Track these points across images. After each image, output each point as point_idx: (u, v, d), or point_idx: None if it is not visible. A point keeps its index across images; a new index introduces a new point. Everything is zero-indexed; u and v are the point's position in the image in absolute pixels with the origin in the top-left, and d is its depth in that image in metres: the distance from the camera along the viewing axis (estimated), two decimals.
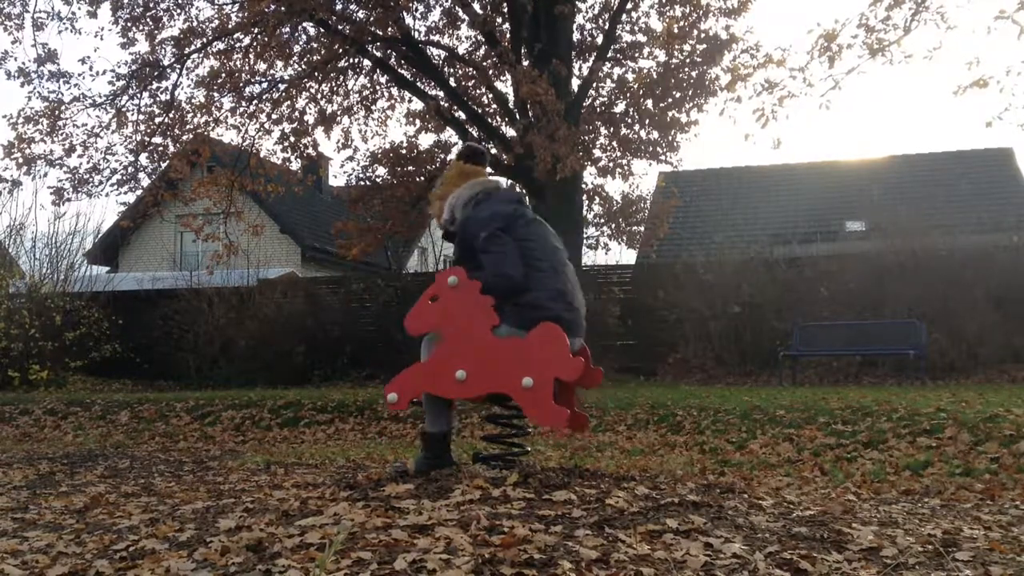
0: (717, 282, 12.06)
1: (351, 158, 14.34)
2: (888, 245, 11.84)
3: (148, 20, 12.43)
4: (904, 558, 2.35)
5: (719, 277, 12.11)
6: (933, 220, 13.86)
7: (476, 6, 12.76)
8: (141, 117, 12.72)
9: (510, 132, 12.40)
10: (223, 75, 12.20)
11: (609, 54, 12.94)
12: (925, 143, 55.97)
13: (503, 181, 3.86)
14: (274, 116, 12.93)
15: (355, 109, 13.68)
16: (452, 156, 3.88)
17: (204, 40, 12.53)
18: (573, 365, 3.31)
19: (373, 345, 12.64)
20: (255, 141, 13.13)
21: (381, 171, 13.69)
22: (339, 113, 13.36)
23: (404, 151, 13.49)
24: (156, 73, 12.63)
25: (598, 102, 13.07)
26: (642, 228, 14.13)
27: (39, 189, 45.33)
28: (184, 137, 12.68)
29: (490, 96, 13.11)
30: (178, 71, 12.68)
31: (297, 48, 12.68)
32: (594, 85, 12.86)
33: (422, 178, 13.34)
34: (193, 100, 12.89)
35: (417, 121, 13.55)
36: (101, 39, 41.29)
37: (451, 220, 3.64)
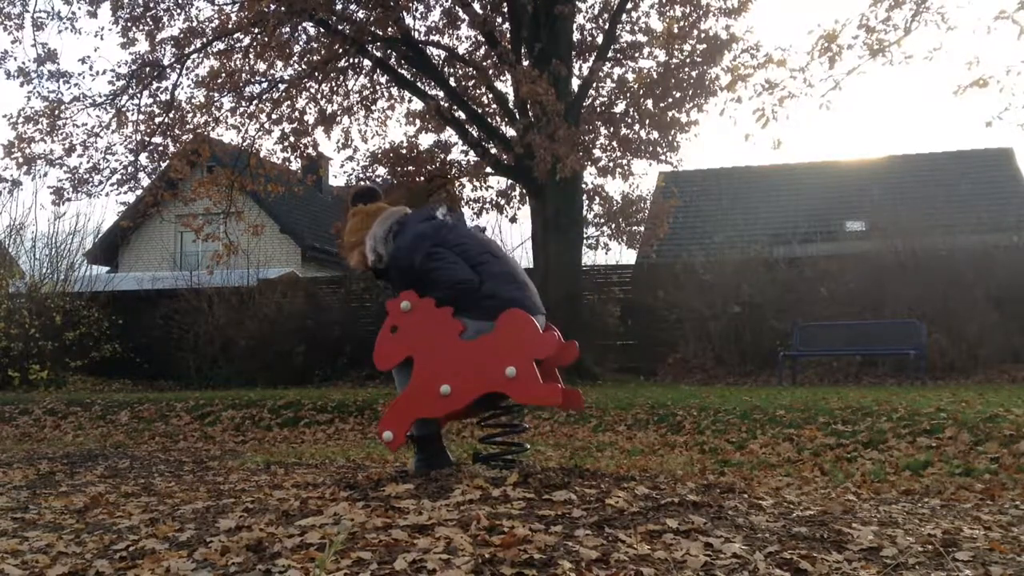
0: (717, 282, 12.07)
1: (351, 158, 14.33)
2: (888, 245, 11.84)
3: (148, 20, 12.41)
4: (904, 558, 2.35)
5: (719, 277, 12.12)
6: (933, 220, 13.85)
7: (476, 6, 12.75)
8: (141, 117, 12.72)
9: (510, 132, 12.40)
10: (223, 75, 12.19)
11: (609, 54, 12.93)
12: (925, 143, 55.94)
13: (405, 208, 3.86)
14: (274, 116, 12.92)
15: (355, 109, 13.68)
16: (355, 205, 3.85)
17: (204, 40, 12.52)
18: (547, 341, 3.37)
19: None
20: (255, 141, 13.13)
21: (381, 171, 13.68)
22: (339, 113, 13.35)
23: (404, 151, 13.49)
24: (156, 73, 12.62)
25: (598, 102, 13.06)
26: (642, 228, 14.11)
27: (39, 189, 45.35)
28: (184, 137, 12.67)
29: (490, 96, 13.10)
30: (178, 71, 12.68)
31: (297, 48, 12.67)
32: (594, 85, 12.86)
33: (422, 178, 13.34)
34: (193, 100, 12.90)
35: (417, 121, 13.55)
36: (101, 39, 41.20)
37: (379, 259, 3.63)
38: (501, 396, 3.47)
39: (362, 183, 3.94)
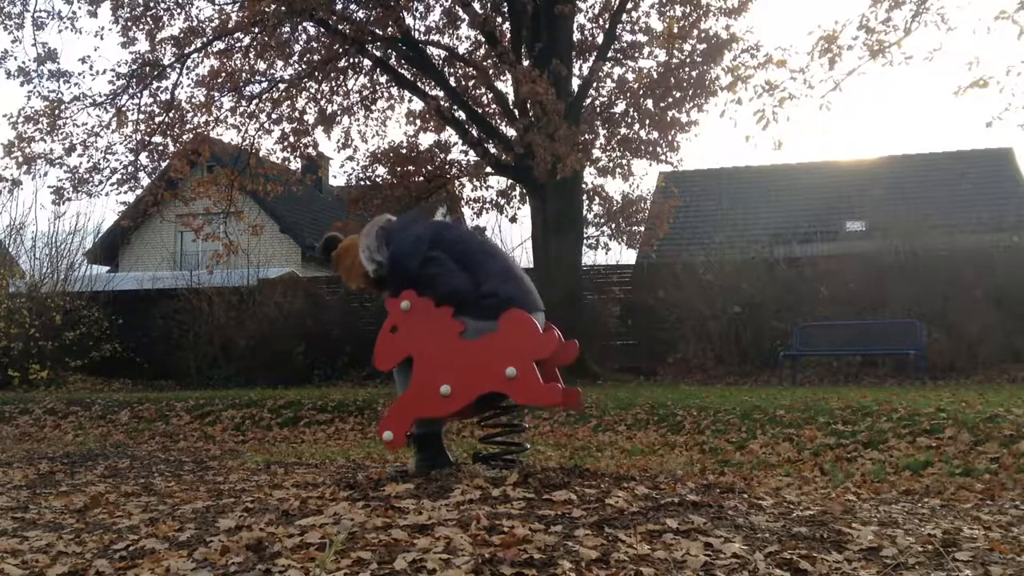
0: (717, 282, 12.07)
1: (351, 158, 14.34)
2: (888, 245, 11.84)
3: (148, 19, 12.41)
4: (904, 558, 2.35)
5: (719, 277, 12.12)
6: (933, 220, 13.86)
7: (476, 5, 12.75)
8: (141, 116, 12.70)
9: (510, 132, 12.40)
10: (223, 75, 12.19)
11: (609, 54, 12.93)
12: (925, 143, 55.95)
13: (387, 215, 3.90)
14: (274, 116, 12.91)
15: (355, 109, 13.67)
16: (331, 257, 3.86)
17: (204, 39, 12.51)
18: (547, 341, 3.36)
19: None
20: (255, 141, 13.12)
21: (381, 171, 13.68)
22: (339, 113, 13.35)
23: (404, 151, 13.49)
24: (156, 72, 12.61)
25: (598, 102, 13.06)
26: (642, 228, 14.13)
27: (39, 188, 45.37)
28: (184, 137, 12.66)
29: (490, 96, 13.10)
30: (178, 70, 12.67)
31: (297, 48, 12.67)
32: (594, 85, 12.86)
33: (422, 178, 13.34)
34: (193, 100, 12.89)
35: (417, 121, 13.55)
36: (101, 38, 41.05)
37: (379, 266, 3.61)
38: (501, 396, 3.47)
39: (325, 236, 3.97)
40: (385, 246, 3.60)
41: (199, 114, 12.56)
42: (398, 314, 3.50)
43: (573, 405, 3.68)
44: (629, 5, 12.78)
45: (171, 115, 12.61)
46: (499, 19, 12.86)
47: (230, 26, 12.32)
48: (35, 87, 12.64)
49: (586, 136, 11.83)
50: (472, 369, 3.34)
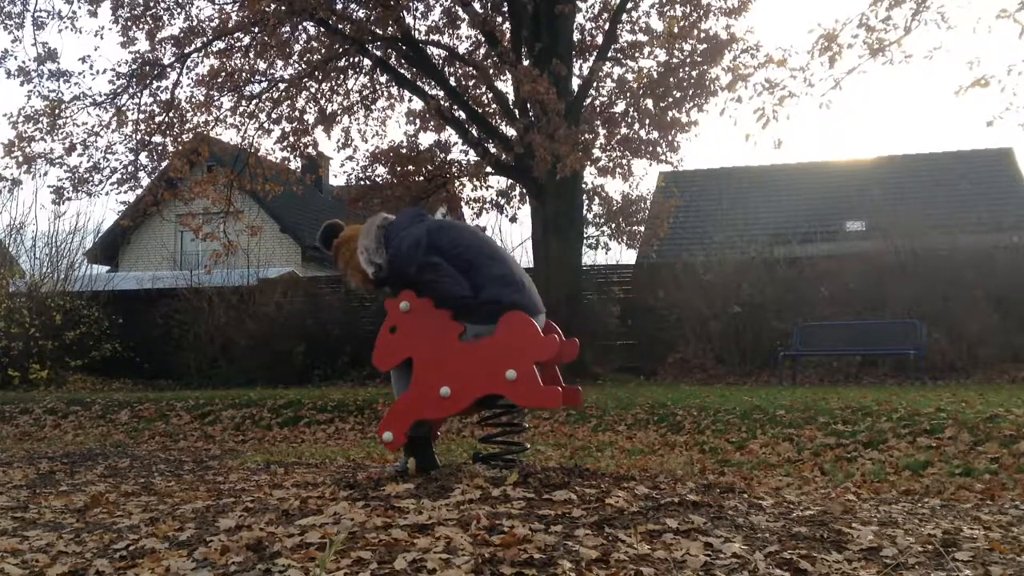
0: (717, 282, 12.07)
1: (351, 158, 14.35)
2: (888, 245, 11.84)
3: (148, 19, 12.41)
4: (904, 558, 2.35)
5: (719, 277, 12.12)
6: (933, 220, 13.86)
7: (476, 5, 12.75)
8: (141, 116, 12.70)
9: (510, 131, 12.40)
10: (223, 74, 12.19)
11: (609, 54, 12.94)
12: (925, 143, 55.95)
13: (383, 213, 3.85)
14: (274, 115, 12.92)
15: (355, 109, 13.67)
16: (331, 246, 3.80)
17: (204, 39, 12.52)
18: (548, 344, 3.34)
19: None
20: (255, 140, 13.12)
21: (381, 171, 13.68)
22: (339, 112, 13.35)
23: (404, 151, 13.48)
24: (156, 72, 12.61)
25: (598, 102, 13.07)
26: (642, 228, 14.13)
27: (39, 188, 45.36)
28: (184, 136, 12.66)
29: (490, 96, 13.10)
30: (178, 70, 12.67)
31: (297, 47, 12.67)
32: (594, 85, 12.86)
33: (422, 178, 13.34)
34: (193, 99, 12.89)
35: (417, 121, 13.55)
36: (101, 38, 41.33)
37: (378, 268, 3.59)
38: (499, 395, 3.47)
39: (325, 223, 3.90)
40: (384, 248, 3.57)
41: (199, 114, 12.56)
42: (397, 314, 3.49)
43: (573, 404, 3.69)
44: (629, 5, 12.78)
45: (171, 115, 12.61)
46: (499, 19, 12.87)
47: (230, 26, 12.31)
48: (35, 87, 12.65)
49: (586, 136, 11.82)
50: (472, 371, 3.33)
